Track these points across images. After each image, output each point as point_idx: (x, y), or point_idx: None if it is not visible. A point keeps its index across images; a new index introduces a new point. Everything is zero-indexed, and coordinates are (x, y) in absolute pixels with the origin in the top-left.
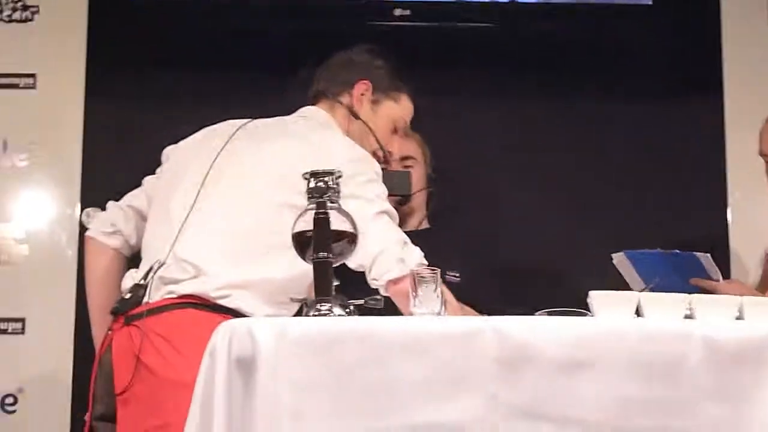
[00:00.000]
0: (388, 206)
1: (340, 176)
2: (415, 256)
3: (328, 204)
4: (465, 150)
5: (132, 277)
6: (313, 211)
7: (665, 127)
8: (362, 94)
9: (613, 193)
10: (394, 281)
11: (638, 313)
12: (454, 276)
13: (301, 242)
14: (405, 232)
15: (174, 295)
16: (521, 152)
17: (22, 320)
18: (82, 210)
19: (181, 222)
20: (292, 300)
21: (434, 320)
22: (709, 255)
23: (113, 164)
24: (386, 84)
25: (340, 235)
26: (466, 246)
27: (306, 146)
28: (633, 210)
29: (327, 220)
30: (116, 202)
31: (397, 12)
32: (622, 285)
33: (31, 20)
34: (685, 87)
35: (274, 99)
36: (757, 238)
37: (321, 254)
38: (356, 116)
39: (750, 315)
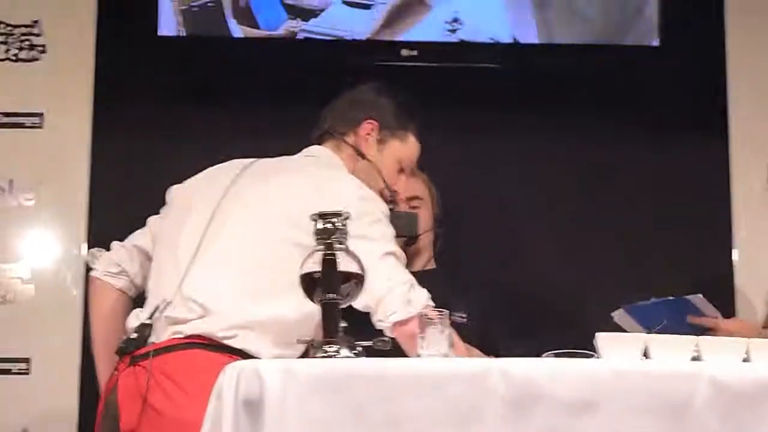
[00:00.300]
0: (395, 247)
1: (347, 217)
2: (421, 298)
3: (336, 245)
4: (471, 189)
5: (137, 317)
6: (321, 252)
7: (671, 167)
8: (368, 134)
9: (620, 232)
10: (401, 323)
11: (645, 355)
12: (461, 317)
13: (309, 283)
14: (411, 273)
15: (181, 335)
16: (527, 191)
17: (27, 360)
18: (88, 249)
19: (188, 261)
20: (299, 341)
21: (443, 361)
22: (700, 295)
23: (120, 203)
24: (393, 123)
25: (348, 276)
26: (473, 286)
27: (313, 184)
28: (640, 250)
29: (334, 262)
30: (121, 243)
31: (404, 52)
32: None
33: (38, 59)
34: (691, 127)
35: (281, 135)
36: (763, 277)
37: (329, 296)
38: (363, 156)
39: (757, 357)
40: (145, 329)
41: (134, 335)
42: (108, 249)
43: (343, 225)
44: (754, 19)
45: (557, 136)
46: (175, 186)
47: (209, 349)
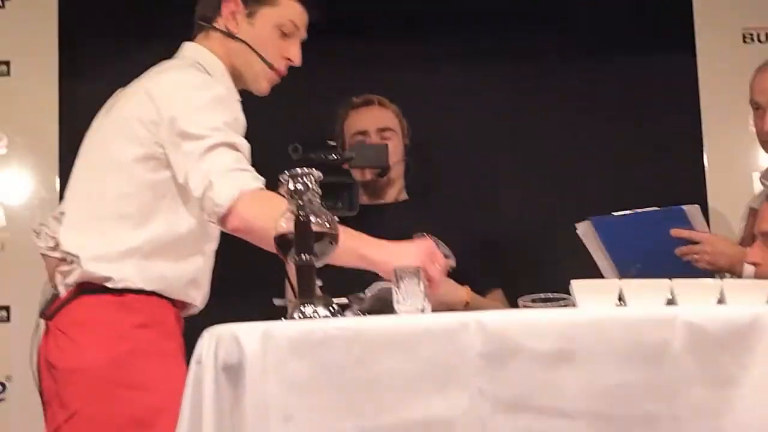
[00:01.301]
0: (222, 136)
1: (320, 177)
2: (223, 193)
3: (308, 206)
4: (442, 119)
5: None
6: (293, 213)
7: (640, 84)
8: (233, 12)
9: (590, 153)
10: (221, 221)
11: (620, 299)
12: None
13: (283, 244)
14: (383, 205)
15: (71, 287)
16: (498, 119)
17: (7, 308)
18: (61, 193)
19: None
20: (276, 303)
21: (418, 317)
22: (697, 206)
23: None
24: None
25: (321, 236)
26: (445, 217)
27: (145, 91)
28: (612, 174)
29: (308, 223)
30: (54, 212)
31: None
32: None
33: (2, 6)
34: (660, 44)
35: None
36: (735, 194)
37: (304, 257)
38: (232, 36)
39: (731, 298)
40: (55, 289)
41: (48, 297)
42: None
43: (316, 184)
44: None
45: (525, 61)
46: None
47: (93, 293)
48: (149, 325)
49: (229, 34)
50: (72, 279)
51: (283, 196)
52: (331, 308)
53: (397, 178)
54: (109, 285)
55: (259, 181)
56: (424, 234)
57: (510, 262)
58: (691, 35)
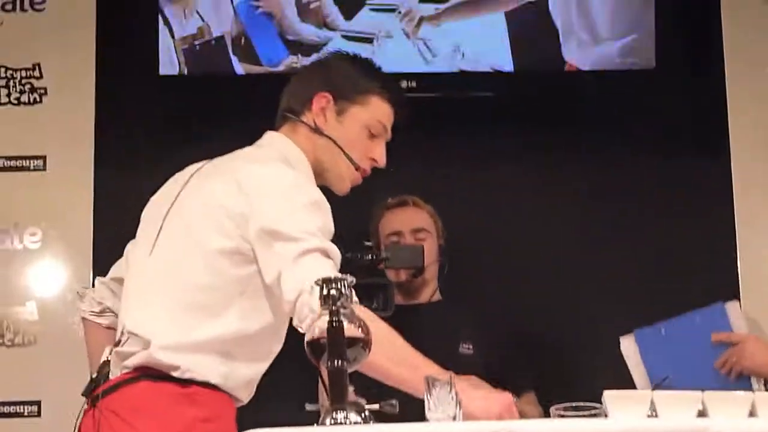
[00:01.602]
0: (316, 242)
1: (353, 282)
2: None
3: (342, 311)
4: (476, 220)
5: (105, 354)
6: (327, 318)
7: (675, 188)
8: (323, 108)
9: (626, 257)
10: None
11: (652, 410)
12: (468, 348)
13: (315, 349)
14: (418, 305)
15: (128, 369)
16: (533, 220)
17: (38, 403)
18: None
19: (133, 288)
20: (308, 409)
21: (450, 425)
22: (736, 303)
23: (124, 241)
24: (349, 89)
25: (354, 341)
26: (479, 318)
27: (237, 182)
28: (647, 275)
29: (341, 329)
30: (102, 278)
31: (403, 83)
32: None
33: (39, 102)
34: (693, 145)
35: None
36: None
37: (336, 362)
38: (320, 133)
39: (763, 412)
40: (105, 367)
41: (95, 375)
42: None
43: (348, 290)
44: (749, 34)
45: (559, 162)
46: (147, 205)
47: (155, 380)
48: (212, 420)
49: (318, 130)
50: (134, 362)
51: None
52: (363, 414)
53: (431, 278)
54: (174, 374)
55: (354, 296)
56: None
57: (544, 365)
58: (726, 136)
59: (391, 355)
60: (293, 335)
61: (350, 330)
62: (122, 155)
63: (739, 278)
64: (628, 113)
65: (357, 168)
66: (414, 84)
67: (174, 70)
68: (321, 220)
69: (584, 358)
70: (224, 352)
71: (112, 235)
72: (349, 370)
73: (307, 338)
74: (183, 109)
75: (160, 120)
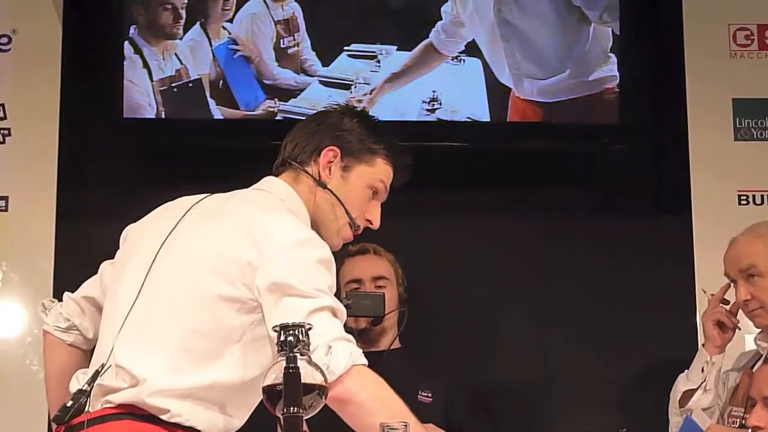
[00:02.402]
0: (327, 300)
1: (310, 328)
2: (340, 361)
3: (299, 357)
4: (436, 268)
5: (78, 380)
6: (283, 365)
7: (634, 245)
8: (330, 162)
9: (585, 314)
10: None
11: None
12: (426, 396)
13: (272, 396)
14: (376, 353)
15: (111, 405)
16: (492, 269)
17: None
18: None
19: (123, 320)
20: None
21: None
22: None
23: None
24: (357, 148)
25: (311, 387)
26: (438, 366)
27: (244, 228)
28: (604, 332)
29: (297, 375)
30: (71, 294)
31: None
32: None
33: (2, 142)
34: (655, 207)
35: None
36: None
37: (292, 409)
38: (323, 186)
39: None
40: (80, 396)
41: (70, 403)
42: (60, 300)
43: (306, 336)
44: (712, 93)
45: (523, 214)
46: (130, 225)
47: (140, 420)
48: None
49: (321, 184)
50: (121, 399)
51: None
52: None
53: (390, 326)
54: (162, 417)
55: (364, 357)
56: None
57: (502, 413)
58: (688, 196)
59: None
60: None
61: (307, 377)
62: (85, 198)
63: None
64: (590, 167)
65: (354, 226)
66: None
67: (152, 112)
68: (331, 278)
69: (543, 407)
70: (214, 399)
71: (72, 277)
72: (306, 417)
73: (263, 384)
74: (147, 154)
75: (123, 163)
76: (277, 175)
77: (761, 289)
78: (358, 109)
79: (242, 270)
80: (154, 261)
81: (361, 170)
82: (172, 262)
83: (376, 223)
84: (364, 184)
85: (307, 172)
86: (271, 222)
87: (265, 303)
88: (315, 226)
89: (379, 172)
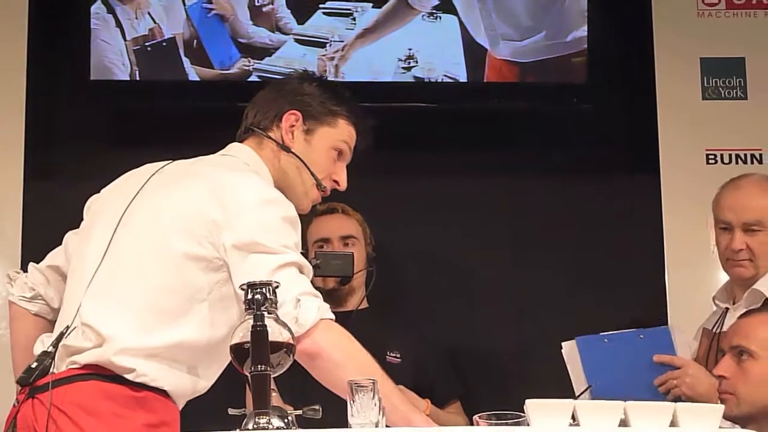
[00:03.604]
0: (293, 257)
1: (277, 286)
2: (309, 314)
3: (266, 315)
4: (404, 227)
5: (42, 342)
6: (250, 323)
7: (604, 203)
8: (292, 126)
9: (554, 269)
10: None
11: (574, 419)
12: (395, 357)
13: (239, 354)
14: (344, 312)
15: (77, 365)
16: (461, 228)
17: None
18: None
19: (89, 281)
20: (230, 413)
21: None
22: (681, 328)
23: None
24: (319, 110)
25: (278, 345)
26: (406, 326)
27: (211, 190)
28: (575, 287)
29: (265, 333)
30: (37, 264)
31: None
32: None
33: None
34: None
35: None
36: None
37: (259, 367)
38: (287, 150)
39: (684, 421)
40: (46, 358)
41: (35, 364)
42: (25, 270)
43: (273, 294)
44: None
45: (489, 172)
46: (93, 196)
47: (106, 380)
48: (160, 426)
49: (284, 147)
50: (86, 360)
51: None
52: (285, 420)
53: (359, 286)
54: (127, 377)
55: (331, 312)
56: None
57: (470, 374)
58: (656, 155)
59: (366, 374)
60: None
61: (274, 335)
62: (54, 159)
63: (668, 301)
64: (561, 127)
65: (319, 187)
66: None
67: (126, 72)
68: (297, 236)
69: (511, 367)
70: (181, 360)
71: (40, 244)
72: (274, 375)
73: (231, 343)
74: (116, 115)
75: (92, 125)
76: (240, 142)
77: (758, 242)
78: (318, 75)
79: (208, 229)
80: (119, 223)
81: (324, 132)
82: (138, 223)
83: (343, 185)
84: (328, 145)
85: (270, 138)
86: (237, 182)
87: (231, 261)
88: (282, 190)
89: (341, 133)
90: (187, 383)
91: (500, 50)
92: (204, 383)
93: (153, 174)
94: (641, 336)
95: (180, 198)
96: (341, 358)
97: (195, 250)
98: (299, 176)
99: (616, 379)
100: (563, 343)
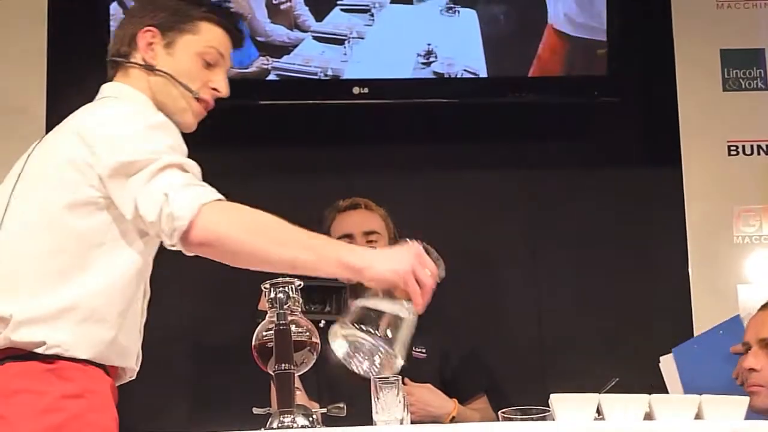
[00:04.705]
0: (168, 158)
1: (300, 286)
2: (184, 203)
3: (289, 315)
4: (429, 223)
5: None
6: (273, 322)
7: (625, 196)
8: (150, 43)
9: (576, 264)
10: (183, 239)
11: (599, 413)
12: (421, 352)
13: (263, 353)
14: None
15: None
16: (487, 224)
17: None
18: None
19: None
20: (255, 412)
21: (396, 428)
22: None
23: None
24: (174, 20)
25: (301, 344)
26: (432, 321)
27: (75, 131)
28: (598, 282)
29: (288, 332)
30: None
31: (356, 90)
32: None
33: None
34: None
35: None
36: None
37: (283, 366)
38: (152, 69)
39: (709, 413)
40: None
41: None
42: None
43: (296, 293)
44: (700, 44)
45: (512, 166)
46: None
47: (20, 360)
48: (83, 396)
49: (149, 67)
50: None
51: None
52: (310, 418)
53: None
54: (38, 351)
55: (218, 194)
56: (411, 239)
57: (497, 369)
58: (677, 147)
59: (276, 237)
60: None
61: (297, 333)
62: None
63: (690, 284)
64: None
65: (198, 99)
66: (366, 90)
67: None
68: (170, 138)
69: (537, 362)
70: (87, 317)
71: None
72: (297, 373)
73: (254, 342)
74: None
75: None
76: (109, 80)
77: None
78: None
79: (83, 173)
80: (8, 205)
81: (186, 40)
82: (22, 192)
83: (224, 91)
84: (193, 52)
85: (132, 62)
86: (95, 117)
87: (113, 192)
88: (162, 111)
89: (205, 37)
90: (101, 341)
91: None
92: (125, 337)
93: (34, 148)
94: (721, 332)
95: (48, 152)
96: (240, 232)
97: (75, 198)
98: (171, 93)
99: (710, 382)
100: (662, 358)
